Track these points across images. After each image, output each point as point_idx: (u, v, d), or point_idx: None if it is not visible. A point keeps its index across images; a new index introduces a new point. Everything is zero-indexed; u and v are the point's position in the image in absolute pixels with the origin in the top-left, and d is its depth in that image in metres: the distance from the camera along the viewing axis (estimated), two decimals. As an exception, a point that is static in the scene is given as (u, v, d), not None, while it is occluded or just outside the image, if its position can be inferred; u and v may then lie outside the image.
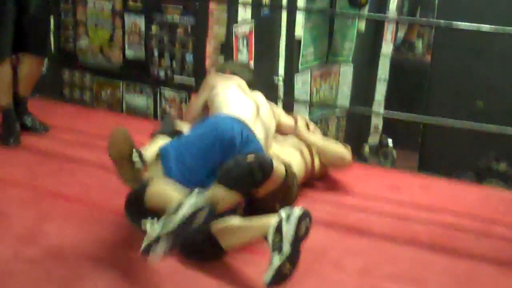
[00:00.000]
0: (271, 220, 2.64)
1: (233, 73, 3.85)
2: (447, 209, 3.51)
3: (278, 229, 2.58)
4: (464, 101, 5.53)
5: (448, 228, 3.31)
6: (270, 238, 2.60)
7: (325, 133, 6.36)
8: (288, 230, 2.57)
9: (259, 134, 3.38)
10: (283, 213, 2.63)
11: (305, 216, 2.63)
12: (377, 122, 6.81)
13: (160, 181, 2.99)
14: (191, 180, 3.05)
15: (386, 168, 5.01)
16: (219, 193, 2.88)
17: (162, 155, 3.16)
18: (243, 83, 3.72)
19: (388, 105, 6.65)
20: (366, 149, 6.71)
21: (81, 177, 3.73)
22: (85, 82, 5.42)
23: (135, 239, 3.02)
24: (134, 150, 3.07)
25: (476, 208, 3.55)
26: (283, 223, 2.59)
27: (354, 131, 6.68)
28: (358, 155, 6.62)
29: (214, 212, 2.75)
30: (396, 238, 3.19)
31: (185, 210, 2.59)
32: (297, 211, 2.62)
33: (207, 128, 3.23)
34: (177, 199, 2.69)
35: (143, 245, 2.56)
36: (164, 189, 2.91)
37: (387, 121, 6.81)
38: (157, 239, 2.54)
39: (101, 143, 4.21)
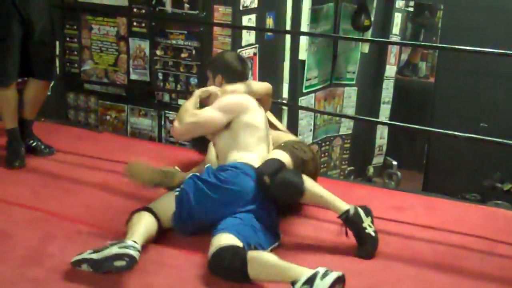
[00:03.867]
0: (306, 271, 2.65)
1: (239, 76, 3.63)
2: (452, 229, 3.50)
3: (310, 281, 2.59)
4: (468, 122, 5.53)
5: (452, 248, 3.30)
6: (298, 284, 2.61)
7: (329, 154, 6.37)
8: (319, 286, 2.57)
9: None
10: (321, 269, 2.63)
11: (340, 281, 2.63)
12: (381, 143, 6.81)
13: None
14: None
15: (390, 189, 4.97)
16: None
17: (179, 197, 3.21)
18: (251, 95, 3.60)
19: (392, 126, 6.65)
20: (371, 170, 6.70)
21: (85, 199, 3.74)
22: (90, 105, 5.46)
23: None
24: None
25: (481, 228, 3.53)
26: (318, 277, 2.59)
27: (358, 152, 6.68)
28: (362, 176, 6.62)
29: None
30: (400, 257, 3.18)
31: None
32: (335, 273, 2.62)
33: (227, 195, 3.18)
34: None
35: None
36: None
37: (391, 142, 6.82)
38: None
39: (105, 165, 4.27)
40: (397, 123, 5.35)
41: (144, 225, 3.06)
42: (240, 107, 3.45)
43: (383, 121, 6.59)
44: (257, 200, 3.18)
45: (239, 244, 2.89)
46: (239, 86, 3.58)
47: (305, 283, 2.59)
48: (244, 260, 2.78)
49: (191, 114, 3.41)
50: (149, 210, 3.16)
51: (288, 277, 2.68)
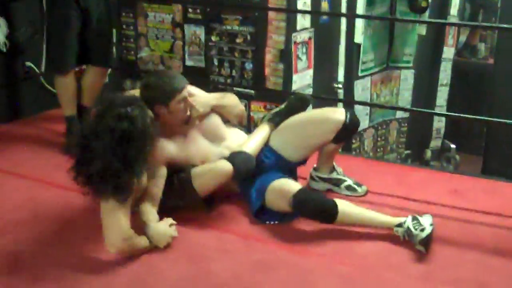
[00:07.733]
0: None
1: None
2: (512, 213, 3.44)
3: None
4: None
5: (513, 232, 3.25)
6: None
7: (386, 138, 6.32)
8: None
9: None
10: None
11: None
12: (439, 126, 6.70)
13: None
14: None
15: (448, 172, 4.89)
16: None
17: None
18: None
19: (451, 109, 6.54)
20: (428, 153, 6.61)
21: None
22: (146, 91, 5.50)
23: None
24: None
25: (543, 211, 3.46)
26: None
27: (415, 136, 6.59)
28: (420, 159, 6.54)
29: None
30: (459, 242, 3.14)
31: None
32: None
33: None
34: None
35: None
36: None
37: (449, 125, 6.70)
38: None
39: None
40: (453, 114, 5.30)
41: None
42: None
43: (439, 112, 6.47)
44: None
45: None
46: None
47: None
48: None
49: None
50: None
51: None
